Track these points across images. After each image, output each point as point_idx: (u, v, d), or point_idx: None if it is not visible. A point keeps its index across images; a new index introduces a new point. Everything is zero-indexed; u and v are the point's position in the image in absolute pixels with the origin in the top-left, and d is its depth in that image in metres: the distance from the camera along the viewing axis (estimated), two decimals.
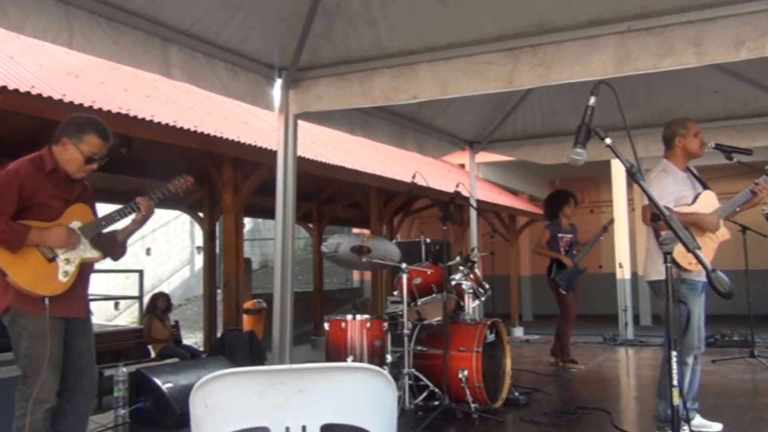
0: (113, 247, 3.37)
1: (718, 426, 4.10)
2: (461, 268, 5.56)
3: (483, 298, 5.69)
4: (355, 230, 15.18)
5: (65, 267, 3.07)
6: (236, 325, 7.11)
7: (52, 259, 3.04)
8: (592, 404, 5.09)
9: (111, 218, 3.22)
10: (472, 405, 4.72)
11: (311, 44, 4.51)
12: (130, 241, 3.57)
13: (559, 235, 7.08)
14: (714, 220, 3.91)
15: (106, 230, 3.32)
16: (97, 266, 3.35)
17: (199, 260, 16.35)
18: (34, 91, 4.73)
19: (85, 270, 3.20)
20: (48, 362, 2.98)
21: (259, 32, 4.34)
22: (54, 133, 3.18)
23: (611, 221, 7.72)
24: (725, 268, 2.70)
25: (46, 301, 2.98)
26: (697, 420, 4.08)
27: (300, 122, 4.84)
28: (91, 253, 3.18)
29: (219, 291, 8.67)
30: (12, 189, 2.97)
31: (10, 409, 3.77)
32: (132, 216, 3.30)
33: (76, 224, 3.14)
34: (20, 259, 2.97)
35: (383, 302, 10.52)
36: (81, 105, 4.93)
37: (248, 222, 18.97)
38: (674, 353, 2.40)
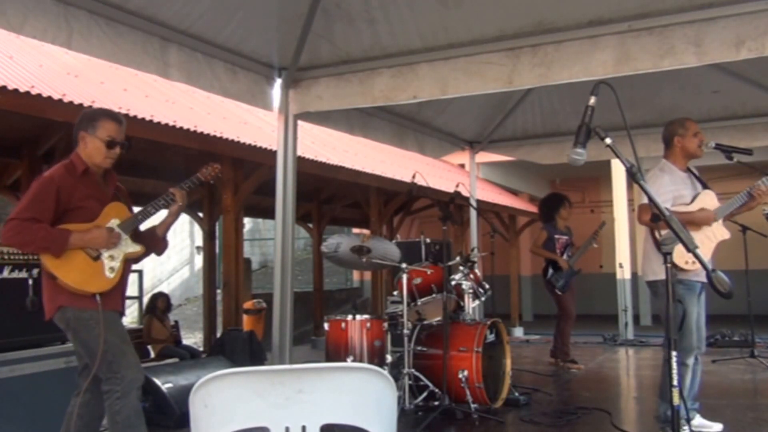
0: (155, 242, 3.44)
1: (718, 426, 4.09)
2: (461, 268, 5.56)
3: (483, 298, 5.69)
4: (355, 230, 15.19)
5: (110, 263, 3.16)
6: (236, 325, 7.11)
7: (97, 258, 3.12)
8: (592, 404, 5.09)
9: (146, 212, 3.29)
10: (472, 405, 4.72)
11: (311, 44, 4.50)
12: None
13: (556, 236, 7.11)
14: (706, 215, 3.90)
15: (145, 227, 3.41)
16: None
17: (199, 260, 16.34)
18: (34, 91, 4.73)
19: (127, 265, 3.28)
20: (122, 343, 3.14)
21: (258, 32, 4.34)
22: (72, 138, 3.24)
23: (602, 225, 7.72)
24: (725, 268, 2.70)
25: (98, 297, 3.07)
26: (697, 420, 4.07)
27: (300, 122, 4.84)
28: (132, 247, 3.26)
29: (219, 291, 8.67)
30: (50, 195, 3.03)
31: (10, 409, 3.78)
32: (167, 209, 3.38)
33: (114, 222, 3.20)
34: (67, 261, 3.05)
35: (383, 302, 10.52)
36: (81, 105, 4.93)
37: (248, 222, 18.98)
38: (674, 353, 2.40)
